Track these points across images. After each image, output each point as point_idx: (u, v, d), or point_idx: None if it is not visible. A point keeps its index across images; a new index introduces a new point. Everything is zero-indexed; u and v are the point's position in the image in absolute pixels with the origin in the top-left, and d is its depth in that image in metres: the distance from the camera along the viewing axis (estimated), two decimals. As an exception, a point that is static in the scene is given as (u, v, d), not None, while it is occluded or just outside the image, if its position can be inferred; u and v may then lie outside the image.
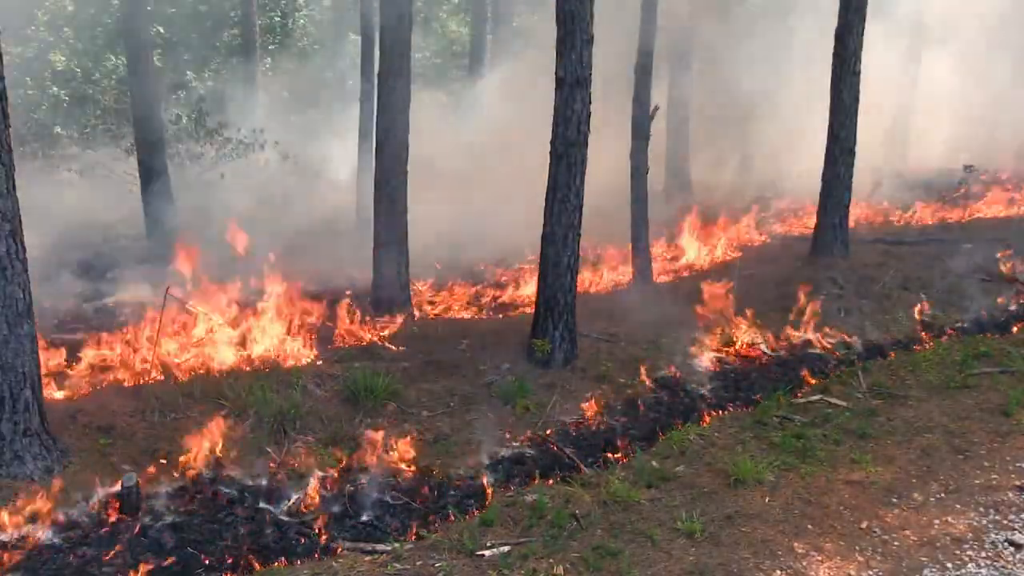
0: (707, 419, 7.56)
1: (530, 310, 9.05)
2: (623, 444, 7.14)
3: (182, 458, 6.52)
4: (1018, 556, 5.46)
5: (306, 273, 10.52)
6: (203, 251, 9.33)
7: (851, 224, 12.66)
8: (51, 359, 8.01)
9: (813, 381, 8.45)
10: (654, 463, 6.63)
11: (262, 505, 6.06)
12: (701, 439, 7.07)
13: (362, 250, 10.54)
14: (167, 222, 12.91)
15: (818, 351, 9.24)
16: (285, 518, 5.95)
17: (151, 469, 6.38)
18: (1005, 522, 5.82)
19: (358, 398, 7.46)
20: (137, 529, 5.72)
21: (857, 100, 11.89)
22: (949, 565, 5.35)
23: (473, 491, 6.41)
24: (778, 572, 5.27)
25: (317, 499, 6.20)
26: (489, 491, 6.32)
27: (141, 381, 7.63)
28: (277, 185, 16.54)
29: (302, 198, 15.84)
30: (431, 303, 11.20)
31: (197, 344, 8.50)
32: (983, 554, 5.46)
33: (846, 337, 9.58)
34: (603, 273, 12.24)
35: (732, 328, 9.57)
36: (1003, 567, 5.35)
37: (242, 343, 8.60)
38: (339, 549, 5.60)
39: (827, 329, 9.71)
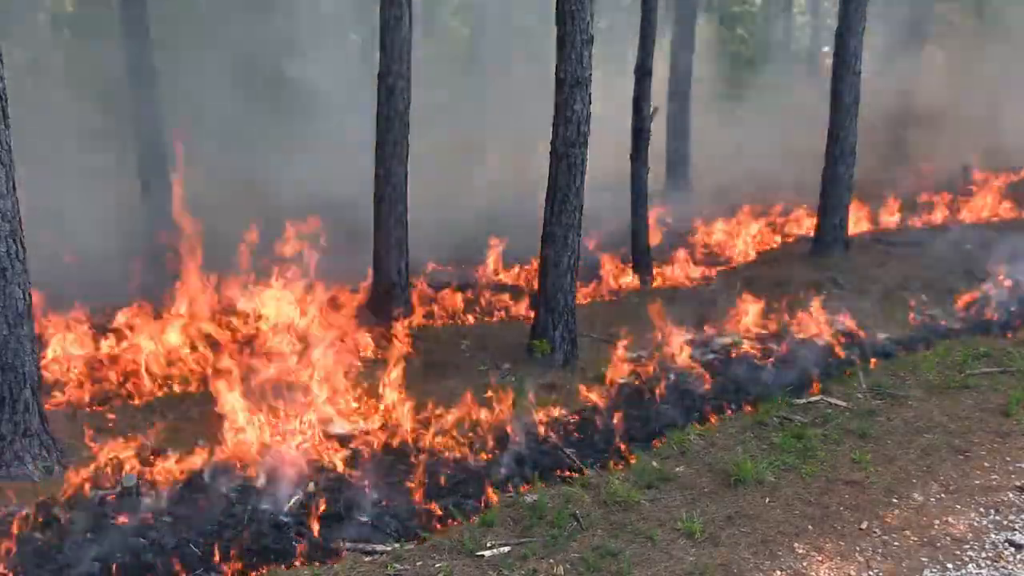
0: (708, 419, 7.56)
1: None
2: (623, 444, 7.14)
3: (182, 458, 6.54)
4: (1018, 557, 5.45)
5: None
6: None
7: (850, 224, 12.70)
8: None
9: (813, 381, 8.44)
10: (654, 463, 6.62)
11: (262, 506, 6.06)
12: (701, 439, 7.07)
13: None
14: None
15: (818, 351, 9.23)
16: (285, 518, 5.95)
17: (151, 469, 6.40)
18: (1005, 522, 5.82)
19: (358, 398, 7.48)
20: (137, 529, 5.72)
21: (857, 101, 11.91)
22: (949, 566, 5.35)
23: (473, 491, 6.40)
24: (778, 572, 5.27)
25: (316, 499, 6.19)
26: (490, 491, 6.32)
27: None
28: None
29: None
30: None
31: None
32: (983, 554, 5.46)
33: (846, 337, 9.58)
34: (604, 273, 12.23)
35: (733, 329, 9.57)
36: (1003, 567, 5.34)
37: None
38: (339, 549, 5.60)
39: (827, 329, 9.72)
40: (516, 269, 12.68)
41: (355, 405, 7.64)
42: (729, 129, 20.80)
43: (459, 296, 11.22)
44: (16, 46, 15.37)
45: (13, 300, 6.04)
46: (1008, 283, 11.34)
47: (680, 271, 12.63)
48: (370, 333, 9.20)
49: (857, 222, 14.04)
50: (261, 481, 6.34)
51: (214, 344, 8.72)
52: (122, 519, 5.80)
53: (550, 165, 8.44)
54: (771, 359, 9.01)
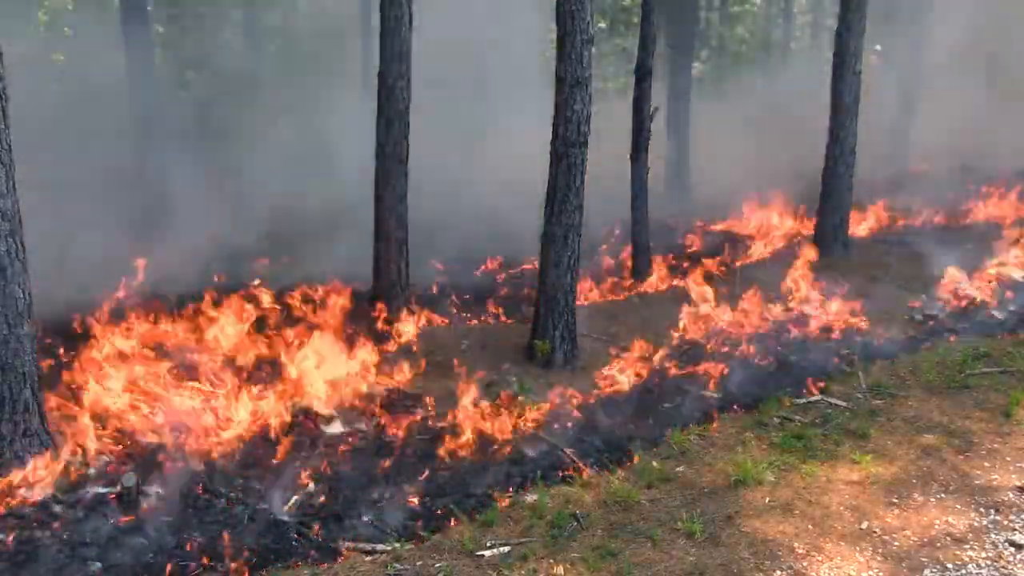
0: (708, 419, 7.55)
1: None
2: (624, 444, 7.14)
3: (182, 458, 6.54)
4: (1018, 556, 5.46)
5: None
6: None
7: (851, 223, 12.69)
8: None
9: (814, 381, 8.43)
10: (655, 463, 6.63)
11: (262, 505, 6.06)
12: (702, 439, 7.07)
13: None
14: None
15: (819, 351, 9.23)
16: (285, 518, 5.95)
17: (152, 469, 6.40)
18: (1005, 522, 5.82)
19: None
20: (137, 530, 5.72)
21: (857, 100, 11.90)
22: (949, 565, 5.35)
23: (473, 491, 6.40)
24: (778, 572, 5.27)
25: (316, 499, 6.20)
26: (490, 491, 6.32)
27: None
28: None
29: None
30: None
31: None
32: (983, 554, 5.46)
33: (846, 337, 9.57)
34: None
35: (732, 330, 9.56)
36: (1003, 567, 5.34)
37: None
38: (339, 549, 5.60)
39: (827, 329, 9.71)
40: (518, 269, 12.68)
41: (353, 404, 7.64)
42: (729, 129, 20.76)
43: (460, 296, 11.21)
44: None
45: (13, 299, 6.04)
46: (1010, 282, 11.33)
47: (680, 271, 12.61)
48: (371, 333, 9.20)
49: (857, 221, 14.04)
50: (260, 481, 6.34)
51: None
52: (122, 519, 5.80)
53: (550, 165, 8.44)
54: (771, 359, 9.00)
